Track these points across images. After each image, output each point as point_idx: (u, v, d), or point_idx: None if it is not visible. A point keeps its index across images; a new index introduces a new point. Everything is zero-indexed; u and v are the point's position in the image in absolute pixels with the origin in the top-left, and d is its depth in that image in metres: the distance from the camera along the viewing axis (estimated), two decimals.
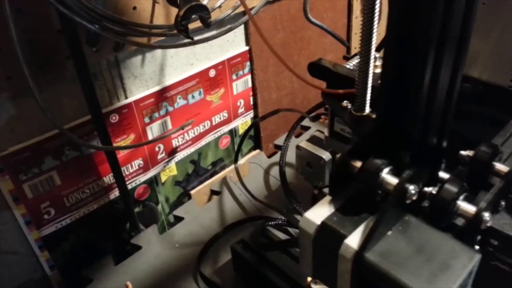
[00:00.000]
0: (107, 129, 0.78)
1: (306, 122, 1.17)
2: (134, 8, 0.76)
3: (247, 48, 1.06)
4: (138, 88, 0.87)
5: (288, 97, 1.24)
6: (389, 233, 0.39)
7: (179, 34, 0.57)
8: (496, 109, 0.69)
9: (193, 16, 0.56)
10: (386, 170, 0.39)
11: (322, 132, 0.90)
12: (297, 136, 1.20)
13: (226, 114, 1.09)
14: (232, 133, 1.14)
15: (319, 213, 0.42)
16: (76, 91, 0.75)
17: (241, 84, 1.09)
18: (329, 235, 0.39)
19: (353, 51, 1.40)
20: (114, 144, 0.84)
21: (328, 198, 0.42)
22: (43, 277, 0.84)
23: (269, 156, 1.21)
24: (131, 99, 0.85)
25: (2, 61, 0.65)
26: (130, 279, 0.81)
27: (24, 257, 0.81)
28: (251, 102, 1.14)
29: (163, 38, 0.78)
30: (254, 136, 1.21)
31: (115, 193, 0.90)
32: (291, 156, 1.00)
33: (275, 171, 1.13)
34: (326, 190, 1.00)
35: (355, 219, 0.40)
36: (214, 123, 1.07)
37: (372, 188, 0.39)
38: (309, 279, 0.65)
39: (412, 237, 0.39)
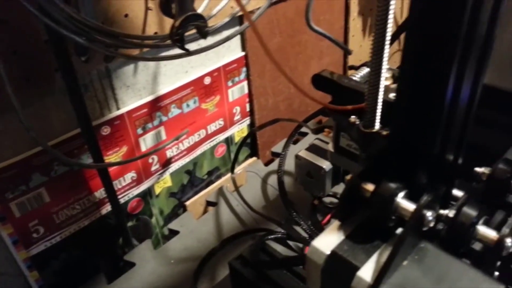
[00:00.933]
0: (98, 143, 0.75)
1: (303, 129, 1.14)
2: (126, 15, 0.73)
3: (243, 53, 1.03)
4: (131, 98, 0.83)
5: (285, 103, 1.21)
6: (405, 263, 0.36)
7: (174, 45, 0.54)
8: (503, 114, 0.67)
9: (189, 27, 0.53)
10: (401, 194, 0.36)
11: (322, 141, 0.88)
12: (295, 142, 1.18)
13: (222, 122, 1.06)
14: (228, 141, 1.11)
15: (328, 240, 0.39)
16: (65, 103, 0.72)
17: (237, 90, 1.06)
18: (340, 266, 0.36)
19: (351, 57, 1.37)
20: (106, 157, 0.81)
21: (337, 223, 0.39)
22: None
23: (266, 164, 1.18)
24: (123, 110, 0.82)
25: None
26: None
27: (12, 278, 0.77)
28: (247, 109, 1.11)
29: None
30: (250, 144, 1.18)
31: (107, 208, 0.86)
32: (289, 163, 0.98)
33: (272, 179, 1.10)
34: (325, 199, 0.98)
35: (367, 248, 0.37)
36: (209, 132, 1.04)
37: (386, 214, 0.36)
38: None
39: (430, 267, 0.36)
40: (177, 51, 0.61)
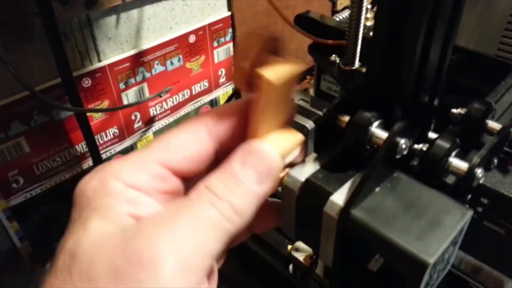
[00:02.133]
0: (79, 93, 0.74)
1: None
2: None
3: (229, 13, 1.01)
4: (113, 51, 0.82)
5: None
6: (377, 189, 0.37)
7: None
8: (482, 79, 0.68)
9: None
10: (376, 123, 0.37)
11: (306, 101, 0.88)
12: None
13: (206, 84, 1.05)
14: (213, 103, 1.10)
15: (303, 169, 0.39)
16: (45, 51, 0.70)
17: (223, 52, 1.05)
18: (314, 192, 0.37)
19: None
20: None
21: (313, 155, 0.39)
22: (11, 248, 0.81)
23: None
24: (105, 62, 0.80)
25: None
26: None
27: None
28: (232, 71, 1.10)
29: None
30: None
31: (89, 162, 0.86)
32: None
33: None
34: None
35: (342, 176, 0.38)
36: (194, 93, 1.03)
37: (360, 143, 0.36)
38: (289, 247, 0.64)
39: (402, 194, 0.36)
40: None
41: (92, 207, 0.22)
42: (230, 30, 1.04)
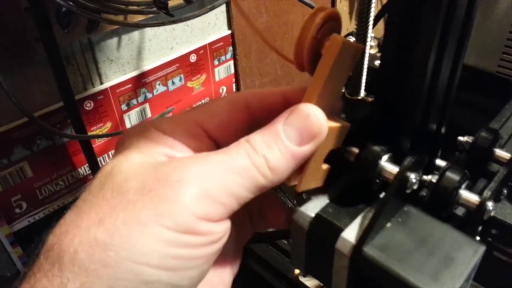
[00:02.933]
0: (81, 117, 0.74)
1: None
2: None
3: (229, 32, 1.02)
4: (114, 73, 0.82)
5: (272, 84, 1.21)
6: (388, 225, 0.37)
7: (159, 11, 0.53)
8: (484, 95, 0.68)
9: None
10: (385, 157, 0.37)
11: None
12: None
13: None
14: None
15: (313, 204, 0.39)
16: (46, 75, 0.70)
17: (223, 70, 1.05)
18: (325, 228, 0.37)
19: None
20: (89, 133, 0.80)
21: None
22: (16, 274, 0.80)
23: None
24: (107, 84, 0.80)
25: None
26: None
27: None
28: (234, 89, 1.11)
29: (140, 18, 0.74)
30: None
31: None
32: None
33: None
34: None
35: (352, 211, 0.37)
36: None
37: (370, 177, 0.36)
38: (296, 271, 0.63)
39: (413, 229, 0.36)
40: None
41: (133, 144, 0.24)
42: (231, 48, 1.04)
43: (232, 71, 1.08)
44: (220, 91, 1.07)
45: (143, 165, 0.22)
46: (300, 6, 1.18)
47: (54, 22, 0.64)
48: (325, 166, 0.33)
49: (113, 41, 0.79)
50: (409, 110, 0.35)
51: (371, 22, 0.38)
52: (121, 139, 0.25)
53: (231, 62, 1.06)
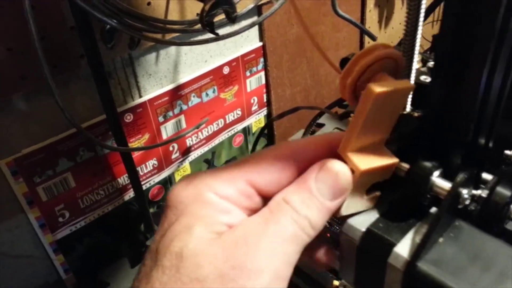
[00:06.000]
0: (123, 129, 0.76)
1: (322, 120, 1.15)
2: (149, 3, 0.74)
3: (261, 44, 1.03)
4: (153, 86, 0.84)
5: (302, 94, 1.22)
6: (441, 240, 0.37)
7: (204, 29, 0.54)
8: None
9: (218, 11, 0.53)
10: (436, 173, 0.37)
11: (340, 129, 0.88)
12: (312, 133, 1.18)
13: (239, 112, 1.07)
14: (246, 131, 1.12)
15: (362, 218, 0.39)
16: (90, 90, 0.73)
17: (255, 81, 1.07)
18: (376, 242, 0.37)
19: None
20: (129, 144, 0.82)
21: None
22: (58, 280, 0.83)
23: None
24: (145, 97, 0.83)
25: (17, 60, 0.63)
26: None
27: (39, 261, 0.79)
28: (265, 99, 1.12)
29: (179, 34, 0.76)
30: (268, 134, 1.19)
31: (130, 194, 0.88)
32: None
33: None
34: None
35: (403, 225, 0.38)
36: (227, 121, 1.05)
37: (421, 192, 0.36)
38: (336, 282, 0.63)
39: (465, 244, 0.36)
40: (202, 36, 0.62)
41: (192, 214, 0.25)
42: (262, 59, 1.06)
43: (263, 81, 1.09)
44: (252, 101, 1.09)
45: (211, 246, 0.23)
46: (330, 17, 1.19)
47: (99, 39, 0.67)
48: (373, 194, 0.33)
49: (152, 56, 0.82)
50: (462, 126, 0.35)
51: (419, 37, 0.38)
52: (174, 200, 0.26)
53: (262, 73, 1.08)
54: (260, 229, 0.25)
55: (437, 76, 0.35)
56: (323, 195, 0.27)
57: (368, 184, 0.31)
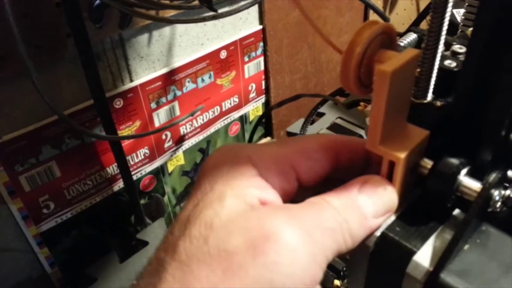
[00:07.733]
0: (112, 115, 0.71)
1: (323, 109, 1.10)
2: None
3: (260, 27, 0.98)
4: (144, 70, 0.79)
5: (302, 82, 1.17)
6: (466, 247, 0.33)
7: (201, 5, 0.49)
8: None
9: None
10: (464, 171, 0.32)
11: (344, 119, 0.84)
12: (312, 122, 1.13)
13: (236, 99, 1.02)
14: (243, 119, 1.07)
15: None
16: (77, 73, 0.68)
17: (253, 66, 1.02)
18: (393, 249, 0.33)
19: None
20: (119, 132, 0.77)
21: None
22: (42, 274, 0.79)
23: None
24: (136, 82, 0.78)
25: None
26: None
27: (22, 254, 0.75)
28: (263, 86, 1.07)
29: (173, 13, 0.71)
30: (265, 123, 1.14)
31: (119, 184, 0.83)
32: None
33: None
34: None
35: (423, 230, 0.33)
36: (224, 109, 1.00)
37: (447, 192, 0.32)
38: (337, 282, 0.59)
39: (495, 252, 0.32)
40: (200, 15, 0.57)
41: (227, 183, 0.24)
42: (261, 44, 1.01)
43: (262, 67, 1.04)
44: (249, 88, 1.04)
45: (243, 216, 0.22)
46: (334, 0, 1.13)
47: (86, 18, 0.62)
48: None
49: (144, 37, 0.76)
50: (497, 119, 0.31)
51: (446, 20, 0.33)
52: (211, 167, 0.25)
53: (261, 59, 1.03)
54: (299, 211, 0.24)
55: (470, 60, 0.31)
56: (366, 207, 0.26)
57: (411, 168, 0.29)
